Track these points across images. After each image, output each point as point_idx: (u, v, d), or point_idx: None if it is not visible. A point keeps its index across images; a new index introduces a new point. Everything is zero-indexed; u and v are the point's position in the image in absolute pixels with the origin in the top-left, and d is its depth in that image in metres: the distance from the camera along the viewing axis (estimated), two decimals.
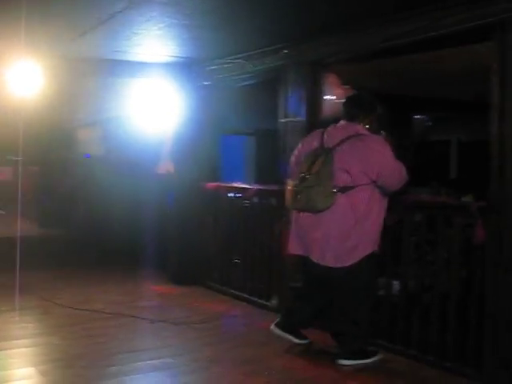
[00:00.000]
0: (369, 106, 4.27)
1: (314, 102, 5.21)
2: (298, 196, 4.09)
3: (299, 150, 4.36)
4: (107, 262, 8.04)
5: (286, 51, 5.34)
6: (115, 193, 9.06)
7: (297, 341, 4.44)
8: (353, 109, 4.24)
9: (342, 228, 3.98)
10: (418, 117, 9.73)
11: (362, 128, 4.15)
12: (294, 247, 4.31)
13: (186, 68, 6.57)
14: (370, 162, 3.95)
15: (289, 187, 4.22)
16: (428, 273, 4.59)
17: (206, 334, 4.86)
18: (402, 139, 9.19)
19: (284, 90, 5.41)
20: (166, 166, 6.91)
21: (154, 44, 5.72)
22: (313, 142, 4.24)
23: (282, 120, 5.42)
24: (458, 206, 4.65)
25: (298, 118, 5.21)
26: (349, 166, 3.96)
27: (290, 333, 4.42)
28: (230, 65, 6.05)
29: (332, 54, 4.97)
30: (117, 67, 6.63)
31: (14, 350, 4.38)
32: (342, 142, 4.04)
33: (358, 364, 4.16)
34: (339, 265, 4.03)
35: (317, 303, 4.35)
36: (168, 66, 6.58)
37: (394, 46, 4.47)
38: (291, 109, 5.32)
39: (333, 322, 4.28)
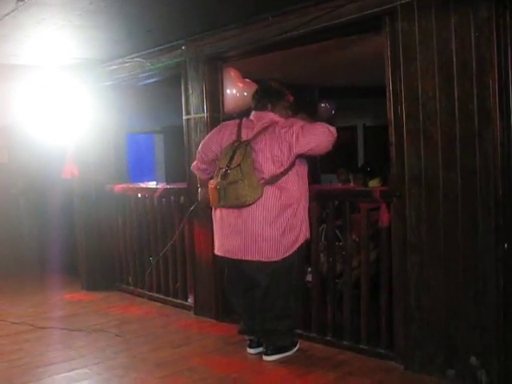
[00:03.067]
0: (278, 93, 4.29)
1: (214, 97, 5.19)
2: (224, 193, 3.98)
3: (213, 144, 4.28)
4: (17, 272, 7.74)
5: (183, 47, 5.29)
6: (22, 201, 8.76)
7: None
8: (263, 99, 4.26)
9: (277, 219, 3.96)
10: (323, 105, 9.86)
11: (275, 116, 4.17)
12: (220, 248, 4.23)
13: (85, 69, 6.41)
14: (290, 138, 3.95)
15: (211, 186, 4.09)
16: (339, 258, 4.68)
17: (122, 340, 4.77)
18: None
19: (185, 87, 5.36)
20: (70, 171, 6.72)
21: (50, 46, 5.54)
22: (229, 134, 4.20)
23: (185, 117, 5.37)
24: (363, 191, 4.76)
25: (200, 114, 5.18)
26: (272, 155, 3.97)
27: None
28: (129, 64, 5.94)
29: (230, 48, 4.96)
30: (13, 71, 6.39)
31: None
32: (260, 132, 4.06)
33: (282, 357, 4.20)
34: (279, 257, 4.01)
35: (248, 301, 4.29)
36: (67, 68, 6.40)
37: (292, 37, 4.49)
38: (193, 105, 5.28)
39: (260, 320, 4.23)
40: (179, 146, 5.74)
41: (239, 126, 4.20)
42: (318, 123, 4.08)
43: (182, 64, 5.37)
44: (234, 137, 4.15)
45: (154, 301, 5.99)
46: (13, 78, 6.56)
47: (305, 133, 3.95)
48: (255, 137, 4.05)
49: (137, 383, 3.89)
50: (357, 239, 4.64)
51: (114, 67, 6.18)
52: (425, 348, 3.78)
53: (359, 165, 11.39)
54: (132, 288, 6.41)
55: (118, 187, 6.41)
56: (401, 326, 3.94)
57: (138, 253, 6.28)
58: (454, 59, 3.49)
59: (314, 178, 8.57)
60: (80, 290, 6.66)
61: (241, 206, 3.98)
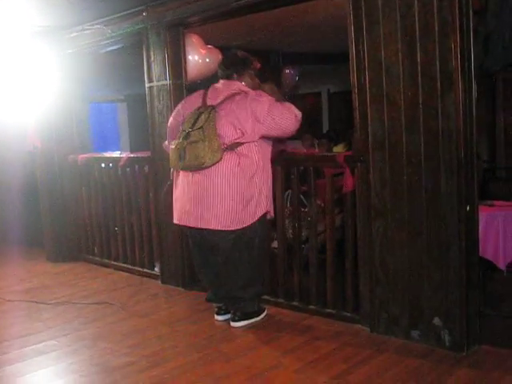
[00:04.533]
0: (244, 62, 4.27)
1: (177, 64, 5.11)
2: (183, 153, 3.93)
3: (179, 111, 4.30)
4: None
5: (144, 14, 5.19)
6: None
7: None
8: (229, 68, 4.23)
9: (236, 187, 3.94)
10: (288, 71, 9.83)
11: (242, 85, 4.16)
12: (179, 216, 4.19)
13: (45, 37, 6.25)
14: (257, 115, 3.94)
15: (172, 146, 4.06)
16: (305, 224, 4.71)
17: (89, 311, 4.75)
18: None
19: (147, 54, 5.27)
20: (33, 142, 6.60)
21: (9, 13, 5.38)
22: (195, 102, 4.19)
23: (148, 85, 5.30)
24: (327, 157, 4.78)
25: (163, 82, 5.11)
26: (236, 123, 3.95)
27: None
28: (90, 31, 5.81)
29: (192, 13, 4.87)
30: None
31: None
32: (226, 98, 4.03)
33: (250, 323, 4.24)
34: (238, 226, 4.01)
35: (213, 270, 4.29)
36: (27, 36, 6.22)
37: (253, 2, 4.46)
38: (155, 73, 5.21)
39: (225, 288, 4.25)
40: (143, 114, 5.67)
41: (204, 94, 4.17)
42: (287, 106, 4.06)
43: (143, 31, 5.28)
44: (199, 103, 4.13)
45: (121, 270, 5.97)
46: None
47: (273, 116, 3.96)
48: (221, 103, 4.03)
49: (106, 353, 3.88)
50: (322, 204, 4.68)
51: (75, 34, 6.05)
52: (390, 310, 3.85)
53: (324, 131, 11.43)
54: (98, 258, 6.37)
55: (82, 157, 6.32)
56: (366, 289, 3.99)
57: (103, 223, 6.23)
58: (417, 23, 3.49)
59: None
60: (46, 262, 6.61)
61: (199, 167, 3.93)
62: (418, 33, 3.50)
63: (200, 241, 4.20)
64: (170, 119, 4.42)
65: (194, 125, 3.96)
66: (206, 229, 4.05)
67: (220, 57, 5.32)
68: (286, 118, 4.00)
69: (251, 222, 4.03)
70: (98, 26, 5.67)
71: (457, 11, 3.36)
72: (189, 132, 3.95)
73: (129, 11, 5.33)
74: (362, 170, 3.92)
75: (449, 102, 3.42)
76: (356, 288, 4.13)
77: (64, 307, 4.88)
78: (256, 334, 4.11)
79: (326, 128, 11.92)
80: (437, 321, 3.62)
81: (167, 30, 5.08)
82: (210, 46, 5.47)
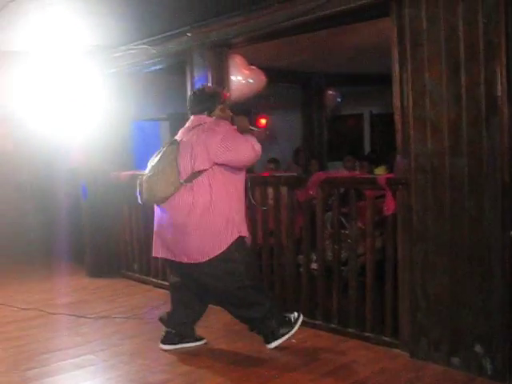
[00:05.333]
0: (212, 98, 4.15)
1: (220, 84, 5.15)
2: (141, 188, 3.99)
3: None
4: (24, 261, 7.77)
5: (189, 34, 5.27)
6: (28, 188, 8.78)
7: (197, 343, 4.36)
8: (197, 105, 4.14)
9: (196, 219, 3.86)
10: (330, 92, 9.84)
11: (206, 117, 4.08)
12: (157, 250, 4.18)
13: (91, 56, 6.39)
14: (210, 145, 3.85)
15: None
16: (345, 246, 4.68)
17: (127, 327, 4.79)
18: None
19: (191, 74, 5.35)
20: (77, 159, 6.73)
21: (56, 33, 5.53)
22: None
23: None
24: (368, 179, 4.74)
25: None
26: (191, 155, 3.89)
27: (185, 340, 4.31)
28: (135, 51, 5.92)
29: (236, 34, 4.94)
30: (17, 58, 6.38)
31: None
32: (187, 133, 4.03)
33: (284, 340, 4.19)
34: (207, 258, 3.91)
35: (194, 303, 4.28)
36: (73, 55, 6.37)
37: (298, 23, 4.48)
38: None
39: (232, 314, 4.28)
40: None
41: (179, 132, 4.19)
42: (245, 139, 3.98)
43: (187, 51, 5.36)
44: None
45: (160, 288, 6.00)
46: (18, 65, 6.55)
47: (226, 146, 3.86)
48: (183, 137, 4.03)
49: (142, 369, 3.90)
50: (362, 227, 4.64)
51: (119, 54, 6.18)
52: (430, 335, 3.78)
53: (365, 153, 11.38)
54: (137, 275, 6.42)
55: (124, 174, 6.40)
56: (406, 313, 3.94)
57: (143, 240, 6.28)
58: (462, 45, 3.47)
59: (320, 166, 8.59)
60: (86, 277, 6.70)
61: (154, 200, 3.98)
62: (462, 55, 3.47)
63: (179, 271, 4.19)
64: None
65: (154, 160, 4.02)
66: (181, 262, 4.02)
67: (263, 78, 5.37)
68: (240, 149, 3.90)
69: (220, 250, 3.91)
70: (143, 46, 5.77)
71: (503, 33, 3.32)
72: (150, 166, 4.00)
73: (173, 32, 5.42)
74: (403, 192, 3.89)
75: (493, 125, 3.38)
76: (395, 312, 4.07)
77: (103, 322, 4.93)
78: (293, 355, 4.08)
79: (367, 150, 11.86)
80: (478, 348, 3.55)
81: (211, 51, 5.15)
82: (253, 67, 5.51)
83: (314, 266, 4.77)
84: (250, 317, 4.18)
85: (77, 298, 5.85)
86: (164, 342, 4.26)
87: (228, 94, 4.30)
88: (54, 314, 5.20)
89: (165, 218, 4.02)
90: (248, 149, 3.94)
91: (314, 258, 4.74)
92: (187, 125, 4.14)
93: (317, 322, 4.57)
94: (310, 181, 4.48)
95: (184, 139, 4.00)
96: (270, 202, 4.98)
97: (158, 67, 6.06)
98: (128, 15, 4.93)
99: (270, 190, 4.98)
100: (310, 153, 9.67)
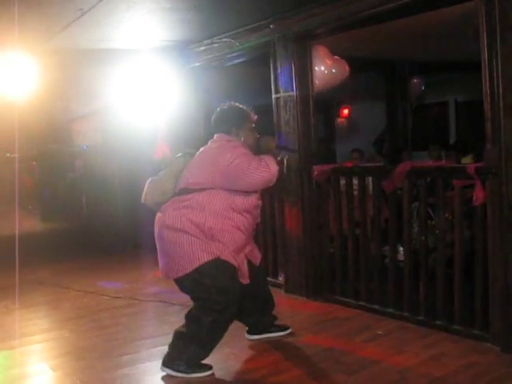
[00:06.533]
0: (239, 117, 3.96)
1: (304, 75, 5.17)
2: (145, 188, 3.94)
3: None
4: (112, 251, 8.04)
5: (272, 26, 5.29)
6: (115, 182, 9.05)
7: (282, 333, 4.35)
8: (220, 122, 3.98)
9: (174, 233, 3.72)
10: (414, 80, 9.65)
11: (225, 136, 3.90)
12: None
13: (175, 51, 6.53)
14: (219, 165, 3.67)
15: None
16: (432, 237, 4.59)
17: None
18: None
19: (274, 66, 5.37)
20: (162, 151, 6.88)
21: (141, 30, 5.68)
22: None
23: (275, 96, 5.38)
24: (456, 168, 4.64)
25: (289, 93, 5.18)
26: (193, 169, 3.79)
27: (269, 330, 4.32)
28: (218, 44, 6.00)
29: (318, 24, 4.92)
30: (106, 56, 6.59)
31: (24, 348, 4.39)
32: (203, 149, 3.93)
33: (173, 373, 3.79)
34: (180, 274, 3.73)
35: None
36: (157, 50, 6.53)
37: (381, 11, 4.43)
38: (282, 84, 5.28)
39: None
40: (268, 124, 5.75)
41: None
42: (259, 158, 3.73)
43: (270, 43, 5.37)
44: None
45: None
46: (106, 63, 6.78)
47: (235, 165, 3.64)
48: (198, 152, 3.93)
49: (230, 358, 3.97)
50: (450, 217, 4.54)
51: (203, 48, 6.27)
52: None
53: (451, 142, 11.09)
54: None
55: None
56: (498, 306, 3.82)
57: None
58: None
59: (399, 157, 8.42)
60: None
61: (146, 202, 3.93)
62: None
63: None
64: None
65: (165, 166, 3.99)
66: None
67: (346, 68, 5.32)
68: (254, 169, 3.63)
69: (192, 268, 3.68)
70: (226, 40, 5.84)
71: None
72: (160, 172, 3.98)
73: (256, 24, 5.45)
74: (494, 182, 3.77)
75: None
76: (486, 305, 3.96)
77: None
78: (379, 347, 4.06)
79: (452, 139, 11.55)
80: None
81: (294, 42, 5.14)
82: (336, 57, 5.47)
83: (400, 257, 4.71)
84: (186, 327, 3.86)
85: (164, 287, 5.98)
86: (249, 332, 4.31)
87: (256, 117, 4.06)
88: (143, 302, 5.38)
89: (155, 227, 3.91)
90: (262, 178, 3.68)
91: (401, 249, 4.67)
92: (209, 143, 3.99)
93: (404, 314, 4.51)
94: (396, 171, 4.42)
95: (198, 155, 3.88)
96: (355, 192, 4.94)
97: (241, 60, 6.10)
98: (210, 10, 4.99)
99: (355, 181, 4.94)
100: (394, 143, 9.54)
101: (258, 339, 4.28)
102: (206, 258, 3.68)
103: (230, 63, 6.34)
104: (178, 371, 3.74)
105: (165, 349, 4.12)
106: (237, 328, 4.50)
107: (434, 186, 4.34)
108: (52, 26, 5.24)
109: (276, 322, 4.39)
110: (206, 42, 6.16)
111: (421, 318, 4.41)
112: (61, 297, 5.77)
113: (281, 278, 5.64)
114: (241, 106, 4.02)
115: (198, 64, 6.48)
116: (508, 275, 3.71)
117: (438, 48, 7.78)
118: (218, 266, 3.70)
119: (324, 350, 4.06)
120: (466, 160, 7.34)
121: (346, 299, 5.00)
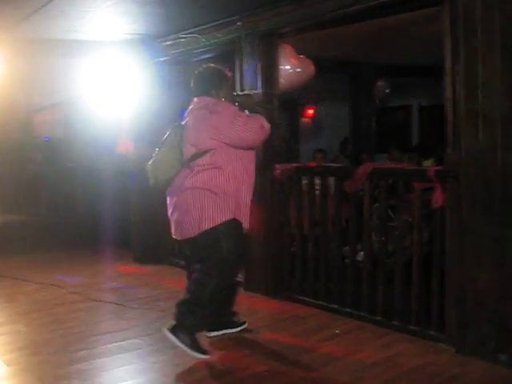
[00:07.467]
0: (217, 77, 4.09)
1: (269, 73, 5.17)
2: (149, 172, 4.00)
3: None
4: (72, 245, 7.95)
5: (239, 23, 5.28)
6: (77, 175, 8.96)
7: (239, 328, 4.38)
8: (200, 86, 4.08)
9: (196, 198, 3.85)
10: (379, 83, 9.74)
11: (209, 99, 4.00)
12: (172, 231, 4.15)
13: (140, 45, 6.47)
14: (219, 128, 3.82)
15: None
16: (391, 238, 4.64)
17: (173, 312, 4.80)
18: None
19: (239, 63, 5.36)
20: (125, 145, 6.82)
21: (106, 22, 5.62)
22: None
23: (240, 93, 5.35)
24: (417, 171, 4.69)
25: (255, 91, 5.17)
26: (193, 138, 3.89)
27: (227, 326, 4.34)
28: (184, 40, 5.96)
29: (285, 23, 4.93)
30: (71, 47, 6.50)
31: None
32: (190, 114, 4.01)
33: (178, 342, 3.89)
34: (201, 230, 3.86)
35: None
36: (123, 43, 6.47)
37: (348, 13, 4.44)
38: (247, 82, 5.27)
39: None
40: None
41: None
42: (254, 118, 3.94)
43: (236, 40, 5.36)
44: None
45: None
46: (71, 54, 6.69)
47: (235, 127, 3.84)
48: (187, 120, 4.00)
49: (187, 354, 3.94)
50: (409, 219, 4.59)
51: (169, 43, 6.23)
52: (477, 331, 3.72)
53: (413, 144, 11.23)
54: (183, 262, 6.46)
55: None
56: (453, 308, 3.88)
57: None
58: None
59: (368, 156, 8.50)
60: (132, 263, 6.81)
61: (157, 183, 4.00)
62: None
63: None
64: None
65: (162, 143, 4.03)
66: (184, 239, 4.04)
67: (312, 68, 5.34)
68: (249, 129, 3.86)
69: (208, 226, 3.85)
70: (193, 35, 5.81)
71: None
72: (156, 150, 4.02)
73: (223, 20, 5.44)
74: (453, 185, 3.83)
75: None
76: (442, 306, 4.02)
77: (148, 307, 5.01)
78: (337, 346, 4.08)
79: (415, 142, 11.70)
80: None
81: (260, 40, 5.14)
82: (302, 56, 5.49)
83: (359, 257, 4.74)
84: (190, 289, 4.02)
85: (123, 283, 5.95)
86: (208, 328, 4.30)
87: (230, 73, 4.21)
88: (101, 298, 5.31)
89: (171, 201, 4.04)
90: (257, 129, 3.90)
91: (360, 249, 4.71)
92: (191, 107, 4.09)
93: (361, 314, 4.55)
94: (357, 172, 4.45)
95: (189, 122, 3.98)
96: (317, 192, 4.96)
97: (207, 56, 6.07)
98: (177, 4, 4.96)
99: (317, 181, 4.97)
100: (357, 144, 9.62)
101: (217, 336, 4.27)
102: (225, 216, 3.86)
103: (196, 59, 6.30)
104: (182, 342, 3.83)
105: (121, 344, 4.14)
106: None
107: (394, 188, 4.38)
108: (15, 15, 5.15)
109: (234, 318, 4.39)
110: (172, 36, 6.12)
111: (378, 318, 4.45)
112: (18, 290, 5.67)
113: (241, 276, 5.63)
114: (216, 66, 4.16)
115: (164, 58, 6.44)
116: (464, 278, 3.77)
117: (404, 52, 7.88)
118: (233, 225, 3.91)
119: (283, 348, 4.06)
120: (427, 163, 7.44)
121: (305, 298, 5.01)
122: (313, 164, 6.48)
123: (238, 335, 4.31)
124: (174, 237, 4.15)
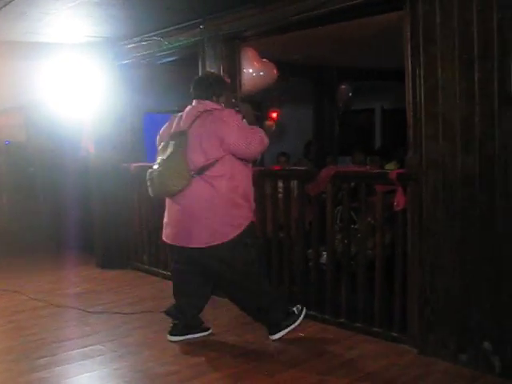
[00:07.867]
0: (217, 85, 4.14)
1: (232, 77, 5.14)
2: (151, 182, 3.99)
3: (160, 136, 4.24)
4: (34, 250, 7.84)
5: (201, 26, 5.27)
6: (38, 179, 8.83)
7: (204, 333, 4.39)
8: (201, 91, 4.10)
9: (214, 206, 3.90)
10: (342, 86, 9.81)
11: (212, 103, 4.04)
12: (166, 236, 4.18)
13: (103, 47, 6.40)
14: (225, 140, 3.85)
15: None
16: (354, 240, 4.67)
17: (136, 318, 4.80)
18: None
19: (203, 66, 5.34)
20: (86, 148, 6.75)
21: (68, 24, 5.53)
22: (171, 127, 4.13)
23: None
24: (379, 174, 4.73)
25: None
26: (202, 147, 3.87)
27: (192, 331, 4.34)
28: (147, 42, 5.93)
29: (248, 27, 4.93)
30: (32, 49, 6.40)
31: None
32: (194, 121, 3.96)
33: (288, 331, 4.21)
34: (217, 242, 3.93)
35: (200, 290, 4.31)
36: (85, 46, 6.38)
37: (311, 17, 4.47)
38: None
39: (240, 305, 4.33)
40: None
41: (180, 118, 4.10)
42: (255, 132, 4.01)
43: (199, 43, 5.35)
44: (174, 128, 4.08)
45: (169, 280, 5.98)
46: (32, 56, 6.59)
47: (240, 139, 3.90)
48: (191, 126, 3.95)
49: (150, 360, 3.92)
50: (372, 221, 4.63)
51: (132, 45, 6.19)
52: (438, 332, 3.77)
53: (376, 147, 11.34)
54: (147, 267, 6.44)
55: (134, 166, 6.41)
56: (414, 309, 3.93)
57: (153, 232, 6.29)
58: (476, 41, 3.43)
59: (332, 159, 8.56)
60: (95, 268, 6.73)
61: (166, 193, 4.02)
62: (476, 51, 3.44)
63: (187, 259, 4.16)
64: (157, 138, 4.34)
65: (164, 152, 3.98)
66: (192, 248, 4.02)
67: (275, 71, 5.36)
68: (252, 144, 3.94)
69: (234, 235, 3.96)
70: (156, 38, 5.78)
71: None
72: (161, 160, 3.97)
73: (186, 24, 5.42)
74: (414, 188, 3.87)
75: (506, 122, 3.35)
76: (404, 308, 4.06)
77: (111, 313, 4.95)
78: (300, 349, 4.09)
79: (377, 145, 11.82)
80: (487, 345, 3.53)
81: (223, 43, 5.14)
82: (265, 60, 5.50)
83: (323, 260, 4.76)
84: (255, 306, 4.19)
85: (86, 288, 5.88)
86: (171, 333, 4.27)
87: (229, 80, 4.32)
88: (63, 304, 5.23)
89: (177, 208, 4.02)
90: (258, 144, 3.99)
91: (323, 252, 4.73)
92: (190, 111, 4.06)
93: (325, 317, 4.57)
94: (320, 175, 4.47)
95: (193, 130, 3.93)
96: (280, 195, 4.97)
97: (170, 59, 6.06)
98: (140, 6, 4.93)
99: (280, 184, 4.98)
100: (320, 147, 9.67)
101: (180, 340, 4.25)
102: (247, 221, 4.03)
103: (159, 62, 6.29)
104: (289, 326, 4.21)
105: (84, 351, 4.09)
106: (157, 330, 4.47)
107: (357, 191, 4.42)
108: None
109: (198, 323, 4.38)
110: (135, 39, 6.07)
111: (342, 320, 4.48)
112: None
113: None
114: (215, 72, 4.34)
115: (126, 61, 6.39)
116: (425, 279, 3.81)
117: (366, 55, 7.95)
118: (252, 226, 4.10)
119: (247, 352, 4.06)
120: (390, 166, 7.52)
121: None
122: (276, 167, 6.49)
123: (200, 340, 4.30)
124: (172, 242, 4.13)
